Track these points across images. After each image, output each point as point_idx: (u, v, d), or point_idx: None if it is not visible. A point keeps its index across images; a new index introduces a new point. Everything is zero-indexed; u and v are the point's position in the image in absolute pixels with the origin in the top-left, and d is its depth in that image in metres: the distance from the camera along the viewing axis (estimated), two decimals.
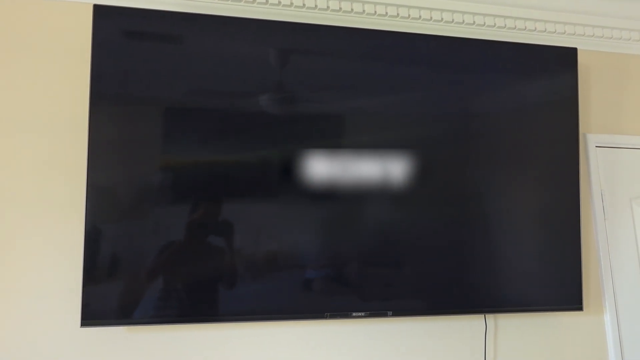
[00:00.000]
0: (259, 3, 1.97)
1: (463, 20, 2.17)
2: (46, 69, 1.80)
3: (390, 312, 1.82)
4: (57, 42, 1.82)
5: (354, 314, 1.79)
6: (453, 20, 2.16)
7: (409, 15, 2.11)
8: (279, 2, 1.98)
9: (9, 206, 1.71)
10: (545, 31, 2.27)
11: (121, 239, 1.65)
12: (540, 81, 2.06)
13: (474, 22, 2.18)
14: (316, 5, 2.02)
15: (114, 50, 1.69)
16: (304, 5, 2.01)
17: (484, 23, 2.20)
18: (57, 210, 1.74)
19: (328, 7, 2.03)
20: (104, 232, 1.64)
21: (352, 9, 2.05)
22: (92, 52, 1.67)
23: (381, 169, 1.85)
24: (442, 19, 2.15)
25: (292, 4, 2.00)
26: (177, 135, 1.72)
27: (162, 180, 1.70)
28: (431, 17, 2.14)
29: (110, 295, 1.62)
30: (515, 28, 2.23)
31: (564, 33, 2.29)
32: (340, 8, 2.04)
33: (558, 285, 2.00)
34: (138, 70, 1.71)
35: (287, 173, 1.78)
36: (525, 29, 2.25)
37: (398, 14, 2.10)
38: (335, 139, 1.85)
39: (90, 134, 1.65)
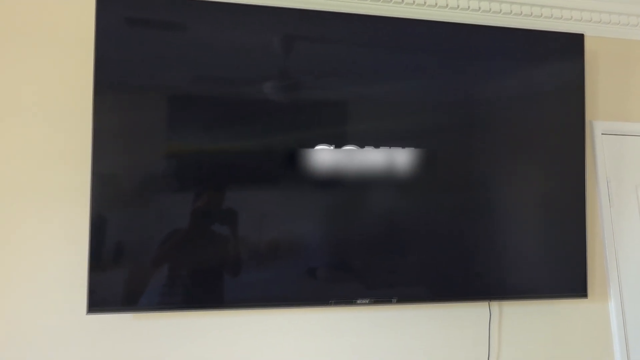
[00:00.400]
0: None
1: (468, 7, 2.15)
2: (49, 57, 1.79)
3: (394, 299, 1.82)
4: (61, 30, 1.82)
5: (358, 300, 1.79)
6: (458, 6, 2.14)
7: (414, 1, 2.09)
8: None
9: (14, 195, 1.72)
10: (551, 17, 2.24)
11: (126, 227, 1.65)
12: (546, 68, 2.04)
13: (479, 8, 2.16)
14: None
15: (118, 38, 1.69)
16: None
17: (489, 9, 2.17)
18: (62, 198, 1.74)
19: None
20: (109, 220, 1.64)
21: None
22: (95, 40, 1.67)
23: (385, 156, 1.85)
24: (447, 5, 2.13)
25: None
26: (181, 123, 1.72)
27: (166, 168, 1.70)
28: (436, 4, 2.12)
29: (116, 283, 1.63)
30: (521, 14, 2.21)
31: (571, 19, 2.27)
32: None
33: (563, 273, 1.99)
34: (142, 58, 1.70)
35: (291, 161, 1.77)
36: (531, 14, 2.22)
37: (403, 0, 2.08)
38: (339, 126, 1.84)
39: (94, 122, 1.65)
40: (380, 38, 1.90)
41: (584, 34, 2.25)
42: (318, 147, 1.79)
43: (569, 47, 2.07)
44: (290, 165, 1.78)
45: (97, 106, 1.66)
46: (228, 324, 1.82)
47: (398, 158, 1.86)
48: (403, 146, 1.87)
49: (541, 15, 2.23)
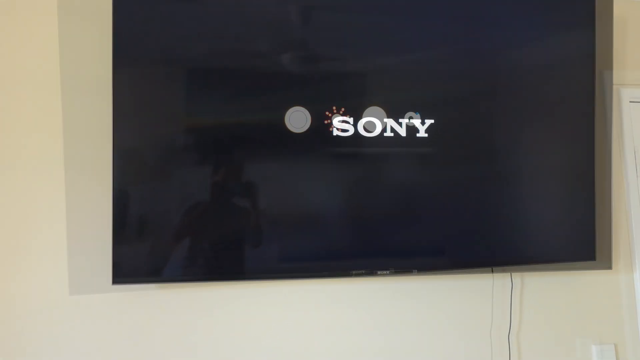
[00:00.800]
0: None
1: None
2: (68, 31, 1.79)
3: (415, 270, 1.82)
4: (78, 3, 1.81)
5: (379, 272, 1.79)
6: None
7: None
8: None
9: (35, 169, 1.74)
10: None
11: (147, 200, 1.67)
12: (572, 33, 1.97)
13: None
14: None
15: (135, 10, 1.67)
16: None
17: None
18: (84, 172, 1.76)
19: None
20: (130, 194, 1.66)
21: None
22: (113, 13, 1.65)
23: (404, 126, 1.82)
24: None
25: None
26: (199, 96, 1.71)
27: (185, 141, 1.71)
28: None
29: (139, 255, 1.66)
30: None
31: None
32: None
33: (587, 244, 1.96)
34: (160, 31, 1.69)
35: (310, 132, 1.76)
36: None
37: None
38: (359, 97, 1.81)
39: (114, 96, 1.65)
40: (396, 6, 1.85)
41: None
42: (337, 119, 1.77)
43: (597, 12, 1.99)
44: (309, 137, 1.76)
45: (117, 80, 1.65)
46: (249, 294, 1.84)
47: (416, 128, 1.83)
48: (420, 116, 1.83)
49: None
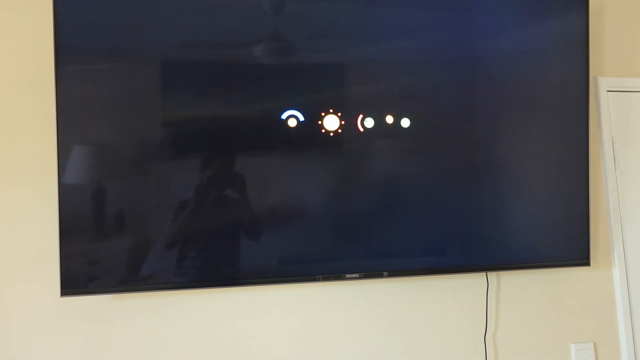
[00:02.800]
0: None
1: None
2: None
3: (385, 273, 1.73)
4: None
5: (347, 275, 1.70)
6: None
7: None
8: None
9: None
10: None
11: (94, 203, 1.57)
12: (548, 22, 1.89)
13: None
14: None
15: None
16: None
17: None
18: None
19: None
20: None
21: None
22: (54, 2, 1.53)
23: (383, 119, 1.72)
24: None
25: None
26: (169, 90, 1.61)
27: (146, 137, 1.61)
28: None
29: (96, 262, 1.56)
30: None
31: None
32: None
33: (564, 239, 1.91)
34: (124, 21, 1.58)
35: (284, 126, 1.66)
36: None
37: None
38: (336, 89, 1.73)
39: (57, 92, 1.53)
40: None
41: None
42: (313, 111, 1.67)
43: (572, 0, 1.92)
44: (283, 130, 1.66)
45: (60, 75, 1.54)
46: (215, 300, 1.75)
47: (395, 121, 1.73)
48: (400, 108, 1.74)
49: None
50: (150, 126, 1.61)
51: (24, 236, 1.64)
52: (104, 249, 1.57)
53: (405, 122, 1.74)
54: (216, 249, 1.64)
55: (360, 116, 1.71)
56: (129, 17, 1.58)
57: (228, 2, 1.64)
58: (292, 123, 1.66)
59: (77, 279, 1.55)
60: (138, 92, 1.61)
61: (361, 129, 1.71)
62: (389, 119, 1.73)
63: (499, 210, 1.84)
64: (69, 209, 1.54)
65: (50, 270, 1.63)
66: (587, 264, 1.91)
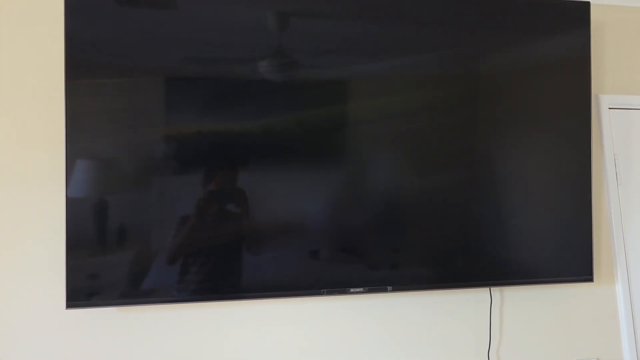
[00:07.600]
0: None
1: None
2: (23, 36, 1.69)
3: (390, 287, 1.74)
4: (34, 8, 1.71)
5: (352, 289, 1.71)
6: None
7: None
8: None
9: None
10: None
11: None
12: (550, 39, 1.92)
13: None
14: None
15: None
16: None
17: None
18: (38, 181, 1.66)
19: None
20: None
21: None
22: (65, 18, 1.56)
23: (386, 134, 1.74)
24: None
25: None
26: (174, 105, 1.63)
27: (150, 152, 1.62)
28: None
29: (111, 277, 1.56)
30: None
31: None
32: None
33: (567, 255, 1.90)
34: (132, 38, 1.61)
35: (289, 141, 1.68)
36: None
37: None
38: (339, 104, 1.75)
39: (67, 105, 1.56)
40: (379, 11, 1.78)
41: (590, 1, 2.12)
42: (316, 127, 1.70)
43: (574, 17, 1.95)
44: (288, 145, 1.68)
45: (70, 89, 1.56)
46: (219, 314, 1.75)
47: (399, 136, 1.75)
48: (403, 123, 1.76)
49: None
50: (155, 140, 1.62)
51: (32, 247, 1.65)
52: (108, 263, 1.58)
53: (411, 137, 1.76)
54: (219, 263, 1.64)
55: (364, 130, 1.72)
56: (136, 34, 1.62)
57: (232, 20, 1.67)
58: (294, 137, 1.68)
59: (82, 292, 1.56)
60: (143, 107, 1.62)
61: (364, 142, 1.72)
62: (393, 134, 1.75)
63: (502, 226, 1.85)
64: (76, 222, 1.55)
65: (57, 281, 1.64)
66: (591, 279, 1.91)
